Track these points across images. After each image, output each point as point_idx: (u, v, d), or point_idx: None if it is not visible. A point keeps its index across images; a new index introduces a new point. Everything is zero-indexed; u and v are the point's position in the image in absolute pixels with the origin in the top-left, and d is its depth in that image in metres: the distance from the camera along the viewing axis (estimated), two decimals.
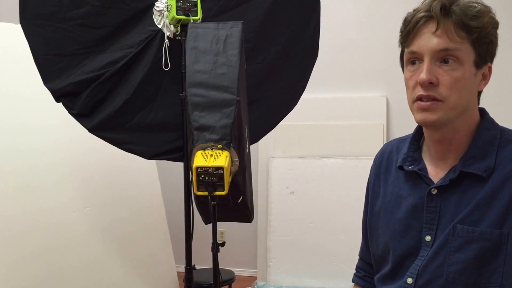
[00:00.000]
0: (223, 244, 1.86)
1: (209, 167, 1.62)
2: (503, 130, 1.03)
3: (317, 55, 2.37)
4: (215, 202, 1.68)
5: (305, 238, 3.57)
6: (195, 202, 1.84)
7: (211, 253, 1.83)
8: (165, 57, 2.12)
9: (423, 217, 1.02)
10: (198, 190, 1.65)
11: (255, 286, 3.57)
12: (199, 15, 2.05)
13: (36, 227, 2.28)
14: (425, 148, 1.09)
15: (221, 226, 3.80)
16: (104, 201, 2.73)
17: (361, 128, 3.61)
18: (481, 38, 0.96)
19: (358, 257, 1.31)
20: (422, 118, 0.98)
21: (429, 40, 0.95)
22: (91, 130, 2.15)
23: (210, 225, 1.79)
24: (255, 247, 3.91)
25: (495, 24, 0.98)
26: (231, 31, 1.90)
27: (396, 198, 1.09)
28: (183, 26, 2.07)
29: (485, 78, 1.01)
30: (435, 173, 1.04)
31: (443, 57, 0.95)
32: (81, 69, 2.10)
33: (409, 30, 0.98)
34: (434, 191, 1.01)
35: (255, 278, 3.86)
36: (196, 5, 2.04)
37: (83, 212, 2.57)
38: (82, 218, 2.55)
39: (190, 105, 1.79)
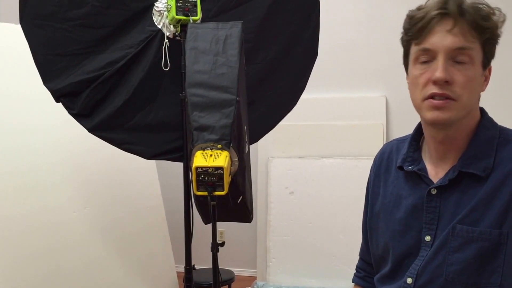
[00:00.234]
0: (222, 244, 1.86)
1: (209, 167, 1.62)
2: (502, 129, 1.03)
3: (316, 55, 2.37)
4: (214, 202, 1.68)
5: (305, 238, 3.57)
6: (194, 202, 1.85)
7: (210, 253, 1.83)
8: (165, 57, 2.12)
9: (423, 217, 1.02)
10: (198, 190, 1.65)
11: (255, 286, 3.57)
12: (199, 15, 2.06)
13: (36, 227, 2.28)
14: (425, 148, 1.09)
15: (221, 226, 3.80)
16: (104, 201, 2.73)
17: (360, 128, 3.61)
18: (491, 39, 0.96)
19: (357, 257, 1.31)
20: (433, 117, 0.96)
21: (443, 38, 0.94)
22: (91, 130, 2.15)
23: (210, 225, 1.79)
24: (254, 247, 3.91)
25: (501, 25, 0.98)
26: (230, 31, 1.90)
27: (396, 198, 1.09)
28: (183, 26, 2.07)
29: (486, 79, 1.01)
30: (435, 173, 1.04)
31: (456, 55, 0.94)
32: (81, 69, 2.10)
33: (422, 27, 0.96)
34: (434, 191, 1.01)
35: (254, 278, 3.86)
36: (195, 6, 2.04)
37: (83, 212, 2.57)
38: (82, 218, 2.55)
39: (190, 105, 1.79)
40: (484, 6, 0.95)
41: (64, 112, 2.14)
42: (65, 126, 2.43)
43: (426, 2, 0.98)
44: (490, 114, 1.05)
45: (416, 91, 0.99)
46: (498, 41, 0.98)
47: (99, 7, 2.09)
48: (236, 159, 1.75)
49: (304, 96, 2.41)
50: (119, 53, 2.13)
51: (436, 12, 0.94)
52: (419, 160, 1.07)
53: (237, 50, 1.86)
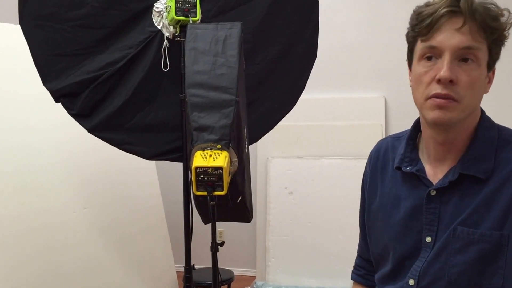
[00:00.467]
0: (222, 244, 1.86)
1: (208, 167, 1.63)
2: (501, 129, 1.02)
3: (316, 55, 2.37)
4: (214, 202, 1.68)
5: (304, 238, 3.58)
6: (194, 202, 1.85)
7: (210, 253, 1.83)
8: (165, 57, 2.12)
9: (423, 219, 1.01)
10: (197, 190, 1.66)
11: (254, 286, 3.57)
12: (198, 16, 2.06)
13: (36, 227, 2.29)
14: (422, 147, 1.08)
15: (220, 226, 3.81)
16: (103, 201, 2.73)
17: (359, 128, 3.62)
18: (498, 41, 0.95)
19: (356, 255, 1.31)
20: (436, 116, 0.94)
21: (452, 36, 0.92)
22: (91, 130, 2.15)
23: (209, 225, 1.79)
24: (254, 247, 3.91)
25: (509, 27, 0.96)
26: (230, 32, 1.90)
27: (394, 198, 1.08)
28: (182, 27, 2.07)
29: (490, 81, 1.00)
30: (433, 173, 1.03)
31: (463, 55, 0.92)
32: (81, 70, 2.10)
33: (430, 24, 0.93)
34: (433, 193, 1.00)
35: (254, 277, 3.86)
36: (195, 6, 2.04)
37: (83, 213, 2.58)
38: (81, 219, 2.56)
39: (189, 106, 1.80)
40: (493, 6, 0.93)
41: (64, 112, 2.14)
42: (64, 126, 2.43)
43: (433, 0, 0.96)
44: (491, 114, 1.04)
45: (419, 89, 0.97)
46: (505, 42, 0.97)
47: (98, 8, 2.09)
48: (236, 159, 1.75)
49: (303, 96, 2.41)
50: (118, 54, 2.13)
51: (446, 9, 0.92)
52: (416, 160, 1.06)
53: (237, 51, 1.86)
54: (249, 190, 2.04)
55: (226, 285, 2.98)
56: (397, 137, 1.16)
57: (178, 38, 2.11)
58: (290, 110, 2.39)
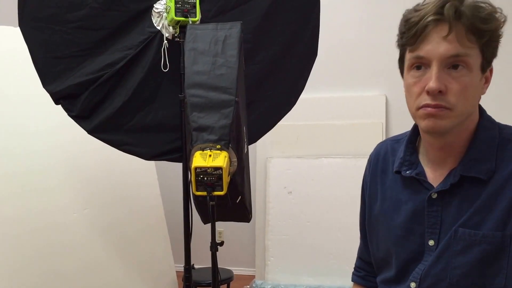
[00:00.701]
0: (221, 243, 1.87)
1: (208, 168, 1.63)
2: (502, 128, 1.00)
3: (316, 54, 2.36)
4: (213, 202, 1.69)
5: (303, 237, 3.58)
6: (194, 202, 1.85)
7: (209, 253, 1.84)
8: (164, 58, 2.12)
9: (425, 222, 1.00)
10: (197, 190, 1.66)
11: (253, 285, 3.58)
12: (198, 16, 2.06)
13: (36, 228, 2.29)
14: (422, 150, 1.06)
15: (220, 225, 3.82)
16: (103, 202, 2.74)
17: (360, 127, 3.61)
18: (491, 42, 0.92)
19: (355, 255, 1.30)
20: (429, 125, 0.93)
21: (438, 46, 0.90)
22: (90, 132, 2.15)
23: (209, 225, 1.80)
24: (253, 246, 3.92)
25: (503, 26, 0.93)
26: (230, 32, 1.91)
27: (395, 202, 1.07)
28: (182, 28, 2.07)
29: (487, 81, 0.98)
30: (434, 176, 1.02)
31: (452, 63, 0.90)
32: (80, 71, 2.11)
33: (416, 33, 0.92)
34: (434, 196, 0.99)
35: (253, 277, 3.87)
36: (194, 7, 2.04)
37: (83, 213, 2.58)
38: (81, 219, 2.56)
39: (189, 106, 1.80)
40: (487, 5, 0.91)
41: (64, 114, 2.14)
42: (64, 128, 2.43)
43: (423, 1, 0.94)
44: (491, 113, 1.02)
45: (410, 100, 0.97)
46: (500, 41, 0.94)
47: (98, 9, 2.09)
48: (235, 159, 1.76)
49: (303, 95, 2.40)
50: (118, 55, 2.14)
51: (431, 17, 0.90)
52: (416, 164, 1.05)
53: (236, 51, 1.87)
54: (249, 190, 2.05)
55: (226, 285, 2.98)
56: (396, 140, 1.14)
57: (178, 39, 2.11)
58: (289, 110, 2.39)
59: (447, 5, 0.89)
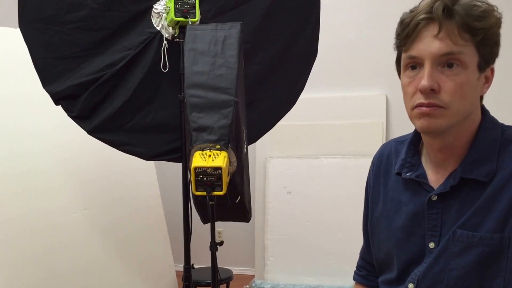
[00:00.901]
0: (221, 243, 1.87)
1: (208, 168, 1.64)
2: (504, 128, 0.99)
3: (316, 54, 2.35)
4: (213, 202, 1.69)
5: (303, 237, 3.59)
6: (193, 202, 1.86)
7: (209, 252, 1.84)
8: (164, 58, 2.13)
9: (425, 224, 1.00)
10: (197, 190, 1.67)
11: (253, 285, 3.58)
12: (198, 17, 2.06)
13: (36, 229, 2.29)
14: (424, 152, 1.06)
15: (219, 225, 3.82)
16: (103, 202, 2.74)
17: (360, 127, 3.61)
18: (486, 40, 0.91)
19: (355, 255, 1.31)
20: (424, 125, 0.93)
21: (430, 44, 0.90)
22: (90, 132, 2.15)
23: (208, 225, 1.80)
24: (252, 246, 3.92)
25: (499, 24, 0.92)
26: (229, 32, 1.91)
27: (396, 204, 1.07)
28: (182, 28, 2.07)
29: (488, 81, 0.97)
30: (436, 178, 1.01)
31: (445, 61, 0.90)
32: (80, 72, 2.11)
33: (408, 33, 0.92)
34: (434, 198, 0.98)
35: (252, 276, 3.87)
36: (194, 7, 2.04)
37: (83, 214, 2.59)
38: (81, 220, 2.57)
39: (189, 106, 1.81)
40: (482, 3, 0.90)
41: (64, 114, 2.15)
42: (64, 128, 2.44)
43: (419, 3, 0.94)
44: (494, 115, 1.01)
45: (406, 100, 0.97)
46: (498, 40, 0.93)
47: (97, 10, 2.09)
48: (235, 160, 1.76)
49: (303, 95, 2.40)
50: (118, 55, 2.14)
51: (421, 16, 0.90)
52: (417, 166, 1.04)
53: (236, 51, 1.87)
54: (248, 190, 2.05)
55: (225, 284, 2.99)
56: (400, 141, 1.14)
57: (177, 39, 2.11)
58: (289, 110, 2.39)
59: (437, 3, 0.90)
